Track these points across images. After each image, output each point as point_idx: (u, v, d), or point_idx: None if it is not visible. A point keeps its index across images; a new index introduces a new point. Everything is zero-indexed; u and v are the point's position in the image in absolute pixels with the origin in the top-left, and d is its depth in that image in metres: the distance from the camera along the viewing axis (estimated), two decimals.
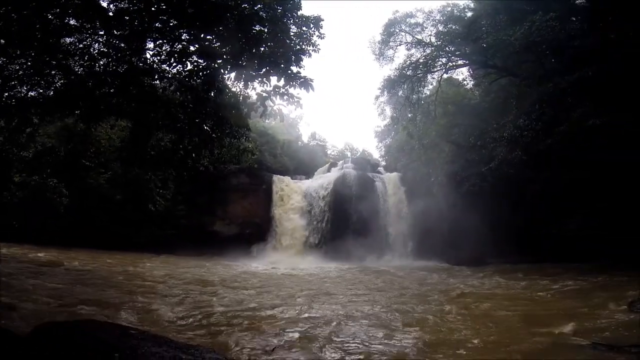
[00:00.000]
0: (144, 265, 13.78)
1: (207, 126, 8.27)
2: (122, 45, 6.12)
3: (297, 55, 7.16)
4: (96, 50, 6.35)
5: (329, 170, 25.13)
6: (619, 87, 11.72)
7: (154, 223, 19.60)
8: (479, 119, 17.60)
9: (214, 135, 8.52)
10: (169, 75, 6.85)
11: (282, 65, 6.88)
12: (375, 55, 20.23)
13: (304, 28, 7.14)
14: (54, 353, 3.17)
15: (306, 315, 6.60)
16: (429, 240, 19.23)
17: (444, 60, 17.65)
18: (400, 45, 19.47)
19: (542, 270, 12.60)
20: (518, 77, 15.39)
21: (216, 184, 22.40)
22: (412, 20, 19.01)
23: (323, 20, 7.22)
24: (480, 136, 15.63)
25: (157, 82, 7.12)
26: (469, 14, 18.23)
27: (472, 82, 21.35)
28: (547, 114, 13.42)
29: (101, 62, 6.41)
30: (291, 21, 7.00)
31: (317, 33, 7.26)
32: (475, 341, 5.19)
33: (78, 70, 6.46)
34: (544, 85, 13.45)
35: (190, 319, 6.08)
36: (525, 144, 13.48)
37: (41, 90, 6.64)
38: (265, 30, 6.56)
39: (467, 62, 18.31)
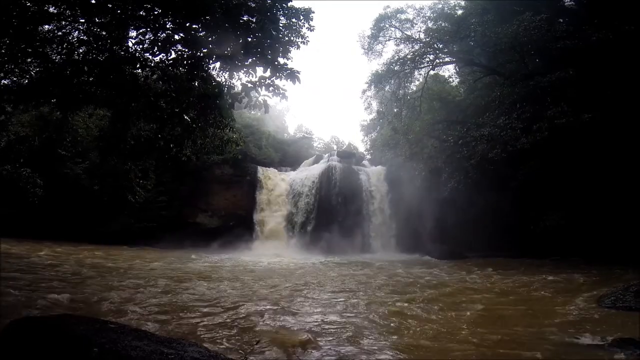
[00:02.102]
0: (118, 258, 13.51)
1: (190, 116, 8.06)
2: (103, 33, 5.81)
3: (285, 47, 7.02)
4: (75, 38, 6.01)
5: (315, 163, 25.09)
6: (596, 87, 12.10)
7: (133, 214, 19.16)
8: (463, 116, 17.89)
9: (196, 125, 8.35)
10: (152, 64, 6.58)
11: (269, 57, 6.73)
12: (364, 49, 20.27)
13: (293, 20, 6.98)
14: (31, 348, 3.06)
15: (288, 308, 6.62)
16: (412, 234, 19.59)
17: (431, 56, 17.84)
18: (389, 40, 19.57)
19: (520, 265, 13.04)
20: (502, 75, 15.68)
21: (199, 174, 22.03)
22: (403, 16, 19.12)
23: (313, 12, 7.08)
24: (463, 133, 15.89)
25: (139, 70, 6.84)
26: (460, 12, 18.46)
27: (457, 80, 21.69)
28: (526, 112, 13.75)
29: (80, 50, 6.07)
30: (280, 12, 6.83)
31: (306, 25, 7.11)
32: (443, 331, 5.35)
33: (56, 58, 6.12)
34: (526, 84, 13.77)
35: (166, 313, 5.99)
36: (505, 142, 13.78)
37: (15, 78, 6.27)
38: (253, 20, 6.39)
39: (453, 59, 18.57)
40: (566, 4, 15.52)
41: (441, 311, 6.63)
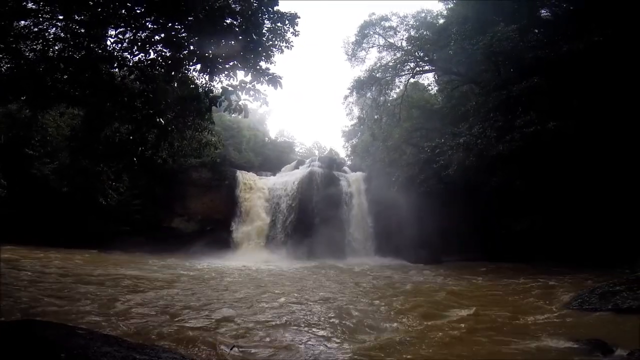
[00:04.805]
0: (87, 262, 13.03)
1: (166, 118, 7.88)
2: (82, 30, 5.57)
3: (267, 52, 6.99)
4: (52, 35, 5.73)
5: (296, 168, 25.02)
6: (566, 96, 12.70)
7: (105, 218, 18.43)
8: (441, 124, 18.37)
9: (174, 127, 8.19)
10: (130, 64, 6.39)
11: (251, 61, 6.68)
12: (348, 55, 20.62)
13: (278, 24, 6.97)
14: None
15: (260, 314, 6.58)
16: (390, 239, 19.80)
17: (412, 64, 18.30)
18: (372, 47, 20.00)
19: (494, 269, 13.47)
20: (478, 84, 16.20)
21: (175, 178, 21.46)
22: (387, 24, 19.56)
23: (299, 17, 7.08)
24: (440, 142, 16.29)
25: (116, 70, 6.63)
26: (441, 21, 18.98)
27: (436, 88, 22.26)
28: (499, 121, 14.26)
29: (56, 47, 5.80)
30: (266, 16, 6.80)
31: (291, 30, 7.11)
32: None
33: (29, 55, 5.81)
34: (500, 93, 14.30)
35: (135, 319, 5.86)
36: (479, 150, 14.25)
37: None
38: (237, 23, 6.33)
39: (433, 67, 19.11)
40: (542, 15, 16.20)
41: (405, 315, 6.79)
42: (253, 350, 4.65)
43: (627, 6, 12.22)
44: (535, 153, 13.07)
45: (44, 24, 5.62)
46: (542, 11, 16.27)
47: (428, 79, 22.64)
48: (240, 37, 6.55)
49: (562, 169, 12.82)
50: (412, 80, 19.91)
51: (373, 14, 19.66)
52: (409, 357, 4.66)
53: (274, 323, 5.92)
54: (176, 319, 5.97)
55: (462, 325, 6.10)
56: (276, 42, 7.18)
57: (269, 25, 6.91)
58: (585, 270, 11.14)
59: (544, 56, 13.01)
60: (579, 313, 6.75)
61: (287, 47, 7.33)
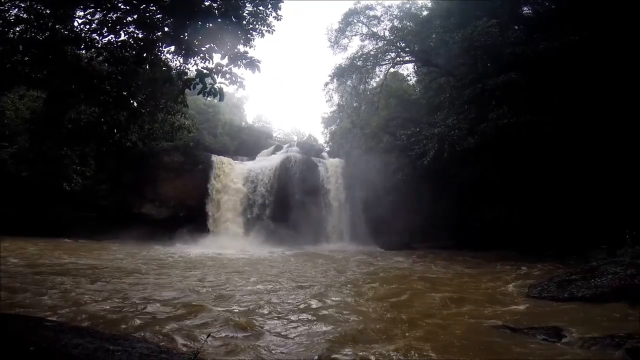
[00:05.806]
0: (49, 252, 12.46)
1: (137, 100, 7.49)
2: (47, 11, 5.06)
3: (247, 35, 6.71)
4: (13, 16, 5.16)
5: (273, 153, 24.68)
6: (541, 92, 13.12)
7: (69, 204, 17.50)
8: (417, 114, 18.62)
9: (144, 109, 7.81)
10: (98, 45, 5.91)
11: (229, 44, 6.37)
12: (331, 42, 20.43)
13: (260, 7, 6.68)
14: None
15: (235, 303, 6.57)
16: (366, 225, 20.20)
17: (393, 54, 18.40)
18: (355, 35, 19.96)
19: (464, 256, 13.99)
20: (455, 77, 16.44)
21: (145, 161, 20.60)
22: (371, 13, 19.54)
23: (282, 1, 6.83)
24: (416, 131, 16.53)
25: (83, 51, 6.13)
26: (425, 13, 19.10)
27: (415, 79, 22.52)
28: (472, 113, 14.59)
29: (17, 29, 5.24)
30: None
31: (274, 14, 6.88)
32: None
33: None
34: (475, 86, 14.60)
35: (102, 311, 5.67)
36: (453, 141, 14.57)
37: None
38: (216, 5, 5.97)
39: (413, 58, 19.28)
40: (524, 12, 16.51)
41: (365, 300, 7.09)
42: (229, 339, 4.64)
43: (605, 7, 12.59)
44: (507, 146, 13.53)
45: (5, 5, 5.05)
46: (525, 8, 16.55)
47: (407, 70, 22.90)
48: (219, 20, 6.21)
49: (533, 162, 13.35)
50: (392, 70, 20.10)
51: (358, 2, 19.57)
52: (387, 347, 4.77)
53: (249, 312, 5.93)
54: (149, 309, 5.84)
55: (417, 309, 6.41)
56: (257, 26, 6.93)
57: (251, 9, 6.62)
58: (550, 260, 11.72)
59: (521, 52, 13.30)
60: (537, 301, 7.02)
61: (269, 32, 7.11)
